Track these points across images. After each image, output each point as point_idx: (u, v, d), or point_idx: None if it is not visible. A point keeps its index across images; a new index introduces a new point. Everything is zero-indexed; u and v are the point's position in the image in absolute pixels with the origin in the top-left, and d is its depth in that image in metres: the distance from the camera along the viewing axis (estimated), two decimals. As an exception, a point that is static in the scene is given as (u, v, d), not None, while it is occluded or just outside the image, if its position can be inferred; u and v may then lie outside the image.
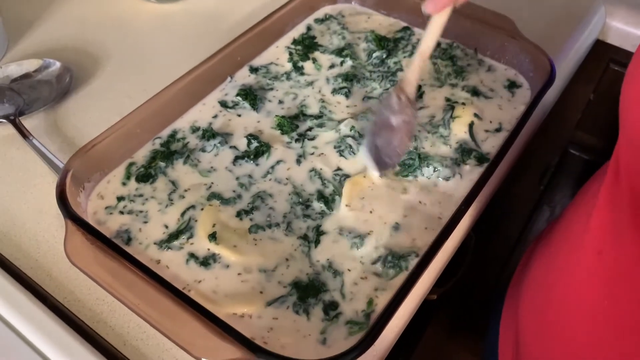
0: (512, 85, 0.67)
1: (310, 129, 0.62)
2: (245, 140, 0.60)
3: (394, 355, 0.52)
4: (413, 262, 0.51)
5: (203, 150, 0.60)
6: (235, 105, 0.64)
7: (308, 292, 0.49)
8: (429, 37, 0.54)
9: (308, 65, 0.69)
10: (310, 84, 0.67)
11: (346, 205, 0.55)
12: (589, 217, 0.47)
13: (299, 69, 0.68)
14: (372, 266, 0.51)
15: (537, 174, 1.11)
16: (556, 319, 0.52)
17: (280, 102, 0.65)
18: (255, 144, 0.59)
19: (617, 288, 0.44)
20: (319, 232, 0.53)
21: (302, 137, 0.61)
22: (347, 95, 0.65)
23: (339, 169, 0.58)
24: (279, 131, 0.61)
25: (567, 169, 1.11)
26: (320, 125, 0.62)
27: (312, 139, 0.61)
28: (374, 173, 0.57)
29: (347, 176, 0.58)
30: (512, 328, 0.62)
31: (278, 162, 0.59)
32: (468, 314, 0.94)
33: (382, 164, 0.57)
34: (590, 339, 0.48)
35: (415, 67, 0.55)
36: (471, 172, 0.58)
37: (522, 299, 0.60)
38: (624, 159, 0.42)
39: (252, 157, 0.59)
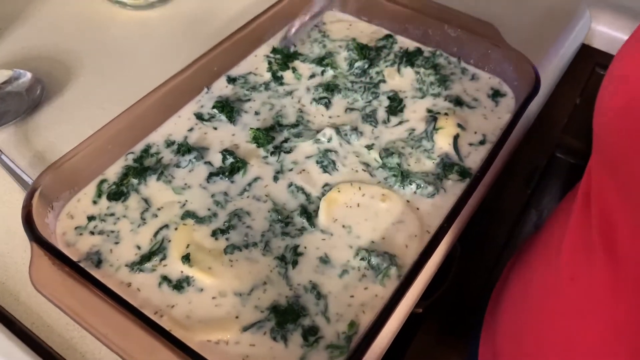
0: (496, 94, 0.65)
1: (286, 140, 0.60)
2: (220, 156, 0.58)
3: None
4: (393, 272, 0.50)
5: (177, 165, 0.58)
6: (212, 117, 0.62)
7: (287, 317, 0.47)
8: None
9: (288, 75, 0.67)
10: (290, 93, 0.65)
11: (322, 228, 0.53)
12: (562, 239, 0.46)
13: (278, 79, 0.66)
14: (356, 284, 0.50)
15: (524, 178, 1.10)
16: (532, 350, 0.50)
17: (257, 113, 0.63)
18: (230, 159, 0.57)
19: (590, 317, 0.43)
20: (297, 253, 0.51)
21: (278, 149, 0.59)
22: (327, 106, 0.64)
23: (327, 184, 0.57)
24: (255, 144, 0.59)
25: (555, 173, 1.10)
26: (297, 135, 0.60)
27: (289, 151, 0.59)
28: None
29: None
30: (490, 351, 0.60)
31: (255, 179, 0.57)
32: (456, 324, 0.93)
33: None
34: None
35: None
36: (454, 187, 0.56)
37: (500, 322, 0.59)
38: (596, 182, 0.41)
39: (227, 174, 0.57)
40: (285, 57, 0.68)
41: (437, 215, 0.54)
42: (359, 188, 0.56)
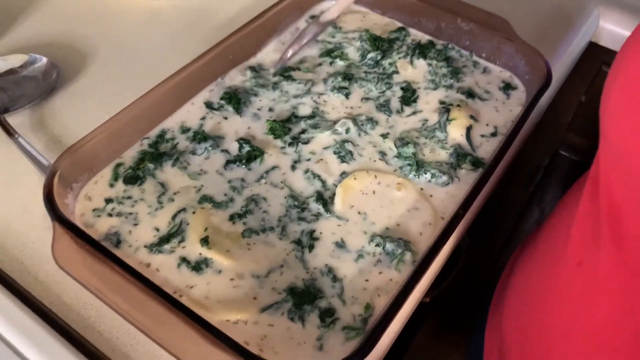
0: (507, 87, 0.66)
1: (303, 131, 0.61)
2: (236, 144, 0.59)
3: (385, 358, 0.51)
4: (408, 258, 0.51)
5: (193, 153, 0.58)
6: (221, 107, 0.63)
7: (304, 298, 0.48)
8: None
9: (296, 74, 0.67)
10: (308, 91, 0.65)
11: (338, 214, 0.54)
12: (570, 227, 0.47)
13: (288, 78, 0.66)
14: (371, 269, 0.50)
15: (527, 175, 1.11)
16: (538, 333, 0.52)
17: (271, 109, 0.63)
18: (247, 148, 0.58)
19: (595, 301, 0.44)
20: (313, 237, 0.52)
21: (295, 140, 0.60)
22: (347, 96, 0.64)
23: (344, 172, 0.57)
24: (272, 135, 0.60)
25: (558, 170, 1.11)
26: (314, 126, 0.61)
27: (307, 142, 0.60)
28: None
29: None
30: (496, 339, 0.61)
31: (273, 167, 0.58)
32: (459, 316, 0.93)
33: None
34: (570, 356, 0.48)
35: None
36: (467, 177, 0.57)
37: (505, 310, 0.60)
38: (604, 170, 0.42)
39: (244, 161, 0.57)
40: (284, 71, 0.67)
41: (451, 203, 0.55)
42: (375, 176, 0.56)
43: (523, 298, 0.57)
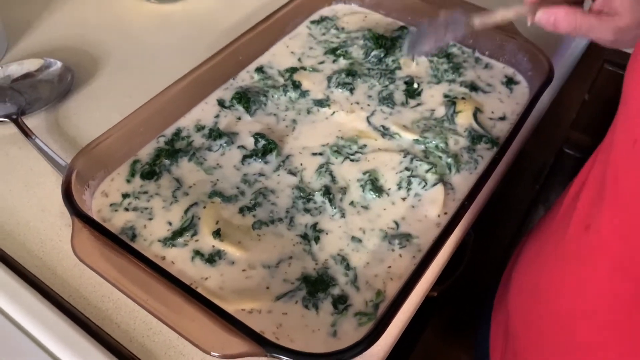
0: (509, 82, 0.67)
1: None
2: (252, 140, 0.60)
3: (394, 352, 0.52)
4: (414, 248, 0.52)
5: (209, 149, 0.60)
6: (231, 106, 0.64)
7: (317, 286, 0.49)
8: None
9: (305, 83, 0.68)
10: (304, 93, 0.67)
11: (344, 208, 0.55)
12: (580, 193, 0.49)
13: (297, 87, 0.67)
14: (378, 261, 0.52)
15: (532, 173, 1.12)
16: (543, 309, 0.53)
17: (277, 108, 0.65)
18: (262, 142, 0.60)
19: (601, 261, 0.45)
20: (317, 230, 0.53)
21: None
22: (351, 91, 0.66)
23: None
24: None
25: (562, 168, 1.12)
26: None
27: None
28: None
29: None
30: (502, 320, 0.62)
31: (288, 156, 0.60)
32: (465, 312, 0.94)
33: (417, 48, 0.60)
34: (576, 317, 0.49)
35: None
36: (485, 156, 0.60)
37: (511, 290, 0.61)
38: (620, 134, 0.43)
39: (260, 155, 0.59)
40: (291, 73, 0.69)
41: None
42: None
43: (528, 278, 0.58)
